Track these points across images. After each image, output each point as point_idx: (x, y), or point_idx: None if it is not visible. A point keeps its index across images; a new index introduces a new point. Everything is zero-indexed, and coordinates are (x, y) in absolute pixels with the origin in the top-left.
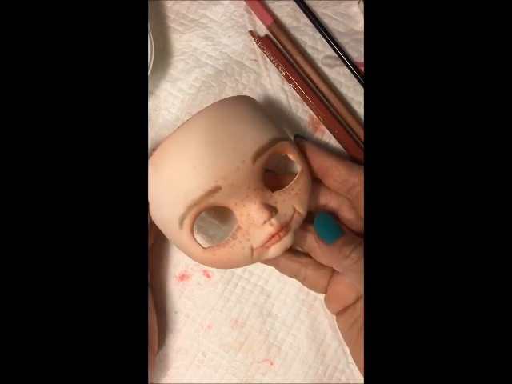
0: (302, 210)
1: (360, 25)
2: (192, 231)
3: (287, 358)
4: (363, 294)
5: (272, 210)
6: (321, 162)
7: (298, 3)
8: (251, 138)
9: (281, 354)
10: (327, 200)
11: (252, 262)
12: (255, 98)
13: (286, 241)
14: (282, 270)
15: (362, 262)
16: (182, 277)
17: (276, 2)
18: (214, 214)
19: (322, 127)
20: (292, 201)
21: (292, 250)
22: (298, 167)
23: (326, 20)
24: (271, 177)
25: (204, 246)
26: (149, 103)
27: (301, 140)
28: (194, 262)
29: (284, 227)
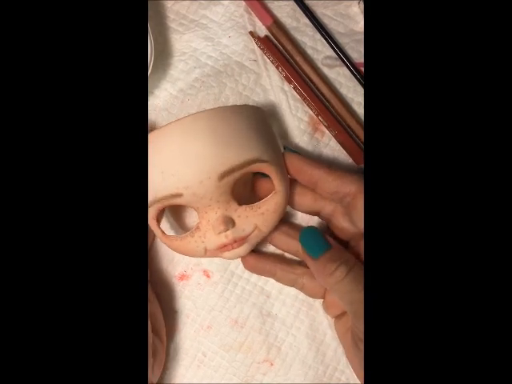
0: (264, 229)
1: (360, 25)
2: (155, 218)
3: (287, 359)
4: (347, 311)
5: (229, 223)
6: (310, 174)
7: (297, 4)
8: (223, 156)
9: (281, 355)
10: (321, 206)
11: (207, 257)
12: (255, 98)
13: (240, 251)
14: (279, 281)
15: (346, 280)
16: (182, 277)
17: (276, 3)
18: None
19: (322, 128)
20: (255, 219)
21: (287, 261)
22: (275, 188)
23: (325, 20)
24: (259, 180)
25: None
26: (149, 103)
27: (289, 153)
28: (193, 262)
29: (238, 240)
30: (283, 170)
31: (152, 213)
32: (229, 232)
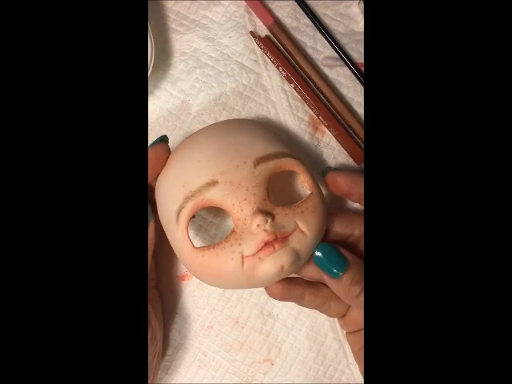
0: (306, 230)
1: (360, 25)
2: (187, 227)
3: (287, 359)
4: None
5: (268, 215)
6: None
7: (298, 3)
8: (257, 145)
9: (281, 355)
10: (351, 230)
11: (243, 275)
12: (255, 98)
13: (283, 257)
14: (305, 305)
15: None
16: (184, 277)
17: (276, 3)
18: (215, 213)
19: (323, 127)
20: (295, 216)
21: (313, 284)
22: (308, 189)
23: (326, 20)
24: None
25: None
26: (149, 103)
27: (334, 171)
28: None
29: (280, 238)
30: (313, 176)
31: (185, 216)
32: (268, 225)
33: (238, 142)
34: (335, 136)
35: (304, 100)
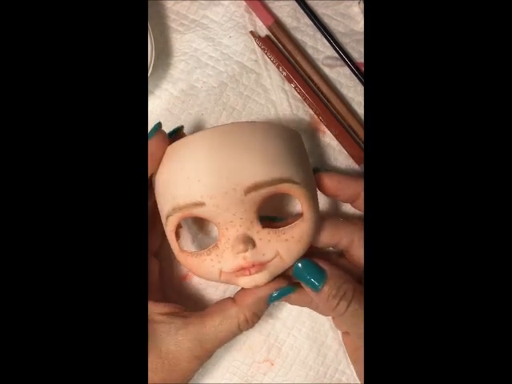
0: (286, 258)
1: (360, 25)
2: (174, 231)
3: (288, 359)
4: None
5: (249, 243)
6: (354, 186)
7: (298, 3)
8: (252, 170)
9: (281, 355)
10: (338, 239)
11: (221, 282)
12: (256, 98)
13: (258, 278)
14: (294, 303)
15: (347, 314)
16: (185, 277)
17: (276, 3)
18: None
19: (323, 127)
20: (278, 244)
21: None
22: (302, 213)
23: (326, 20)
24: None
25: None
26: (149, 103)
27: (324, 172)
28: None
29: (257, 265)
30: (314, 197)
31: (172, 222)
32: (248, 254)
33: (232, 163)
34: (335, 136)
35: (304, 100)
